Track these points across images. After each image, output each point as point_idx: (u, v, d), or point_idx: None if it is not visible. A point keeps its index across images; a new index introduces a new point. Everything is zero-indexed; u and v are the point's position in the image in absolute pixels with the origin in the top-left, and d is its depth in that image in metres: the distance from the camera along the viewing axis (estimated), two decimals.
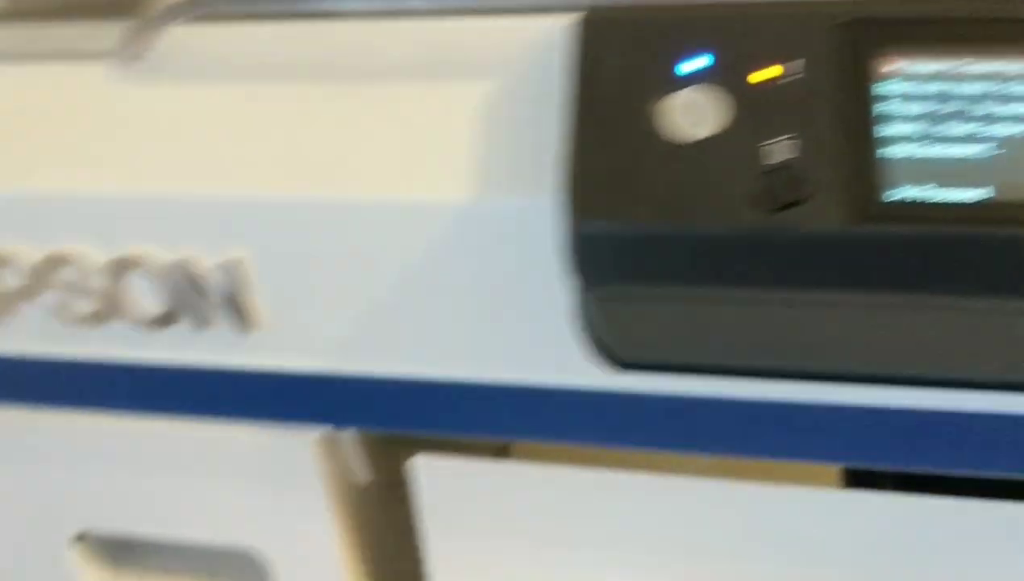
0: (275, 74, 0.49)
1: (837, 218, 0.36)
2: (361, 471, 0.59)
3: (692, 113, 0.38)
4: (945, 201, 0.36)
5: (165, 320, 0.51)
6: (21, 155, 0.51)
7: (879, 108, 0.37)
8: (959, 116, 0.37)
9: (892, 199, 0.36)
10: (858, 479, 0.55)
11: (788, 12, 0.39)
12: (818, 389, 0.46)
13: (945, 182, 0.36)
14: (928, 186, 0.36)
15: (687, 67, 0.39)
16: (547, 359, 0.48)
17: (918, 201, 0.36)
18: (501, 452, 0.66)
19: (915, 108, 0.37)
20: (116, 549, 0.66)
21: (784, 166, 0.37)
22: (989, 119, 0.36)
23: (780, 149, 0.37)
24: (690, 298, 0.40)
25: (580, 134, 0.39)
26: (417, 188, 0.46)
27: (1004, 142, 0.36)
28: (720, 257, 0.37)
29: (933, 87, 0.37)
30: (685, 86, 0.39)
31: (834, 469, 0.59)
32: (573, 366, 0.48)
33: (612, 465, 0.55)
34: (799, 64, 0.38)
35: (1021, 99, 0.36)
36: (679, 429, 0.48)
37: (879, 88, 0.37)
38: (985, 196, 0.35)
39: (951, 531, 0.50)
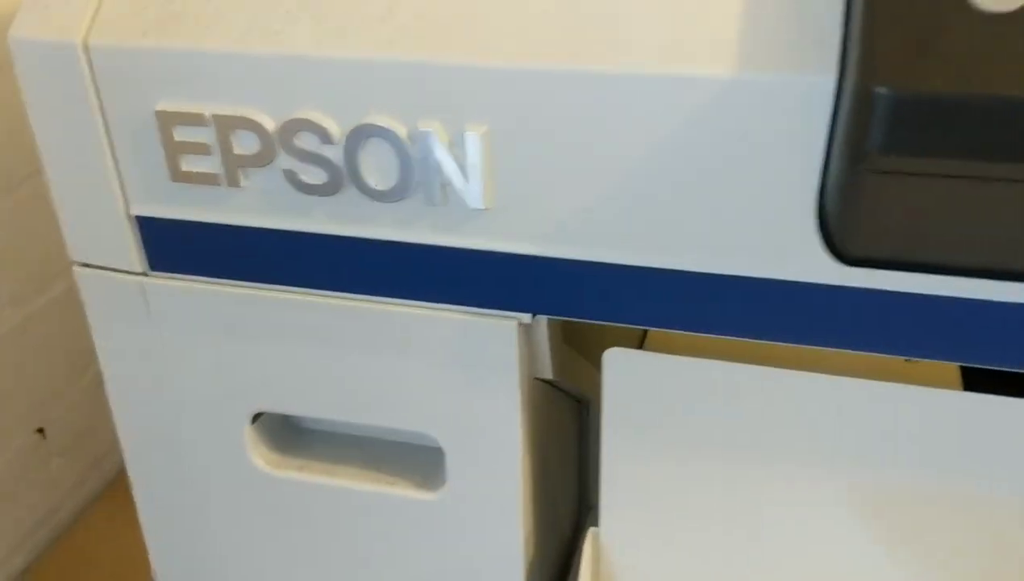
0: None
1: None
2: (551, 366, 0.59)
3: None
4: None
5: (396, 193, 0.52)
6: (267, 18, 0.52)
7: None
8: None
9: None
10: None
11: None
12: None
13: None
14: None
15: None
16: (780, 252, 0.49)
17: None
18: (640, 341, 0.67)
19: None
20: (290, 433, 0.67)
21: None
22: None
23: None
24: (976, 175, 0.41)
25: (876, 7, 0.40)
26: (670, 62, 0.46)
27: None
28: (1016, 128, 0.38)
29: None
30: None
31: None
32: (808, 261, 0.49)
33: (771, 360, 0.56)
34: None
35: None
36: (912, 332, 0.49)
37: None
38: None
39: None
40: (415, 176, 0.51)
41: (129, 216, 0.58)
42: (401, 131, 0.50)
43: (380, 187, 0.52)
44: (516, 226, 0.52)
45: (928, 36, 0.39)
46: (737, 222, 0.49)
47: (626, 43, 0.47)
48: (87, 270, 0.61)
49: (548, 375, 0.60)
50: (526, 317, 0.55)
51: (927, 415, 0.54)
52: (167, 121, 0.54)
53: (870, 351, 0.51)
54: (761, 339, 0.53)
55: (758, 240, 0.49)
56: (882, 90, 0.39)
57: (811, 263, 0.49)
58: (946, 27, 0.39)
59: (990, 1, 0.39)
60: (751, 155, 0.47)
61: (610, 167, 0.49)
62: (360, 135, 0.51)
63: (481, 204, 0.51)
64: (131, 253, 0.59)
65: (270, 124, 0.52)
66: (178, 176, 0.55)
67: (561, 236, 0.51)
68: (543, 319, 0.57)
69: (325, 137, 0.52)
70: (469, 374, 0.57)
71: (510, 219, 0.52)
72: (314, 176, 0.53)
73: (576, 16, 0.48)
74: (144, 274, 0.60)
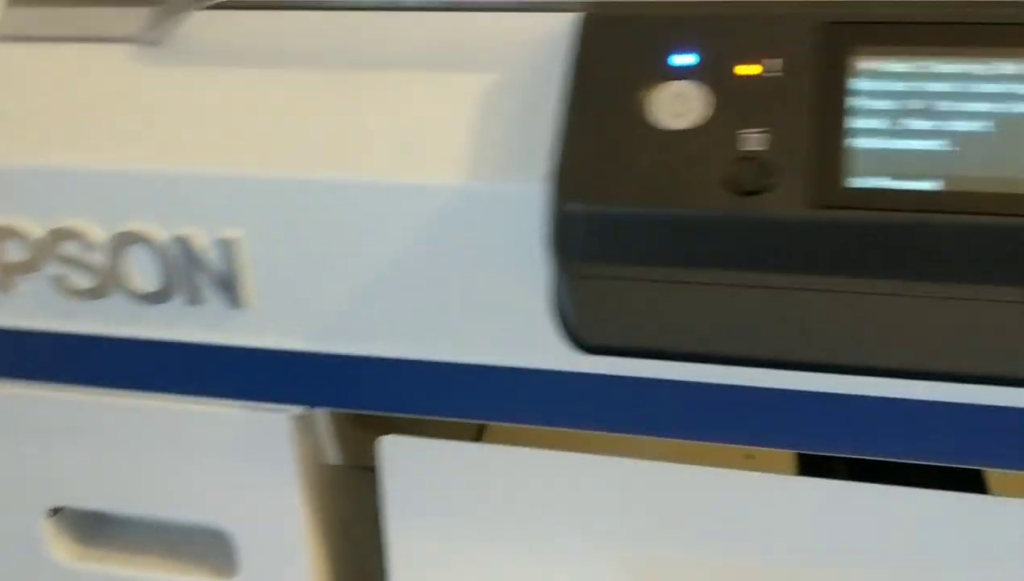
0: (284, 61, 0.52)
1: (800, 203, 0.39)
2: (333, 452, 0.61)
3: (677, 105, 0.42)
4: (903, 190, 0.39)
5: (160, 296, 0.54)
6: (33, 131, 0.54)
7: (849, 103, 0.41)
8: (922, 113, 0.40)
9: (853, 186, 0.39)
10: (812, 465, 0.59)
11: (770, 14, 0.43)
12: (778, 375, 0.49)
13: (905, 173, 0.39)
14: (889, 176, 0.39)
15: (675, 62, 0.43)
16: (522, 342, 0.51)
17: (878, 189, 0.39)
18: (478, 435, 0.69)
19: (882, 104, 0.41)
20: (89, 524, 0.68)
21: (756, 155, 0.40)
22: (948, 116, 0.40)
23: (754, 139, 0.41)
24: (662, 279, 0.43)
25: (571, 121, 0.43)
26: (407, 171, 0.49)
27: (960, 138, 0.40)
28: (691, 238, 0.41)
29: (900, 85, 0.41)
30: (672, 80, 0.42)
31: (790, 455, 0.63)
32: (547, 349, 0.51)
33: (577, 447, 0.58)
34: (777, 62, 0.42)
35: (977, 98, 0.40)
36: (645, 412, 0.51)
37: (849, 85, 0.41)
38: (939, 187, 0.39)
39: (903, 519, 0.53)
40: (177, 279, 0.53)
41: None
42: (162, 236, 0.52)
43: (145, 290, 0.54)
44: (276, 324, 0.53)
45: (614, 153, 0.42)
46: (482, 316, 0.51)
47: (367, 154, 0.50)
48: None
49: (334, 461, 0.61)
50: (297, 409, 0.57)
51: (701, 492, 0.56)
52: None
53: (618, 432, 0.54)
54: (515, 423, 0.55)
55: (502, 332, 0.51)
56: (573, 207, 0.42)
57: (556, 352, 0.51)
58: (630, 144, 0.42)
59: (668, 119, 0.42)
60: (484, 256, 0.49)
61: (358, 268, 0.51)
62: (123, 241, 0.53)
63: (240, 304, 0.53)
64: None
65: (38, 232, 0.54)
66: None
67: (319, 332, 0.53)
68: (321, 409, 0.58)
69: (90, 244, 0.53)
70: (249, 466, 0.59)
71: (270, 317, 0.53)
72: (81, 281, 0.54)
73: (323, 129, 0.50)
74: None
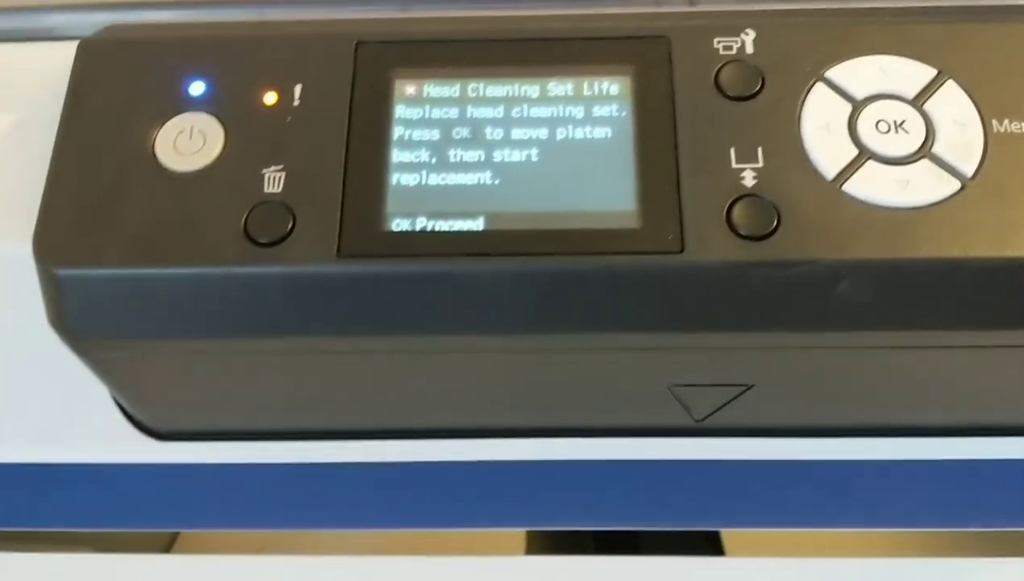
0: None
1: (324, 253, 0.33)
2: None
3: (185, 143, 0.35)
4: (443, 232, 0.34)
5: None
6: None
7: (384, 134, 0.35)
8: (466, 142, 0.35)
9: (388, 230, 0.34)
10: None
11: (294, 34, 0.37)
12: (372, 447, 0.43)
13: (446, 212, 0.34)
14: (429, 216, 0.34)
15: (181, 93, 0.36)
16: (92, 434, 0.43)
17: (416, 233, 0.34)
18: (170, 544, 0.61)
19: (422, 134, 0.35)
20: None
21: (276, 197, 0.34)
22: (493, 145, 0.35)
23: (274, 180, 0.34)
24: (189, 349, 0.36)
25: (58, 167, 0.35)
26: None
27: (506, 169, 0.35)
28: (207, 300, 0.34)
29: (440, 113, 0.35)
30: (178, 114, 0.35)
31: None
32: (115, 439, 0.43)
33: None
34: (300, 90, 0.35)
35: (522, 123, 0.35)
36: (225, 503, 0.44)
37: (385, 113, 0.35)
38: (481, 227, 0.34)
39: None
40: None
41: None
42: None
43: None
44: None
45: (110, 203, 0.34)
46: (40, 411, 0.42)
47: None
48: None
49: None
50: None
51: None
52: None
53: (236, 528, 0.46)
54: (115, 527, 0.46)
55: (73, 428, 0.43)
56: (60, 271, 0.34)
57: (134, 444, 0.43)
58: (131, 191, 0.34)
59: (175, 160, 0.35)
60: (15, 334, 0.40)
61: None
62: None
63: None
64: None
65: None
66: None
67: None
68: None
69: None
70: None
71: None
72: None
73: None
74: None
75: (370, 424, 0.42)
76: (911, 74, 0.35)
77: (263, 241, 0.33)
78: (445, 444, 0.43)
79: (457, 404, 0.41)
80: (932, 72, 0.35)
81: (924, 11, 0.37)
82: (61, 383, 0.42)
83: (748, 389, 0.37)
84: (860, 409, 0.39)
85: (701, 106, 0.35)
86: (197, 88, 0.36)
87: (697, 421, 0.40)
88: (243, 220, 0.34)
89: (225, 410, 0.41)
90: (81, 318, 0.34)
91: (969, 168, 0.33)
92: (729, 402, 0.38)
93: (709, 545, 0.57)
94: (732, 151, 0.34)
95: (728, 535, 0.58)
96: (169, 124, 0.35)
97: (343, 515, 0.47)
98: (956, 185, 0.33)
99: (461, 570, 0.48)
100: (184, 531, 0.59)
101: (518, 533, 0.59)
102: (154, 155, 0.35)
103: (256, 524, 0.47)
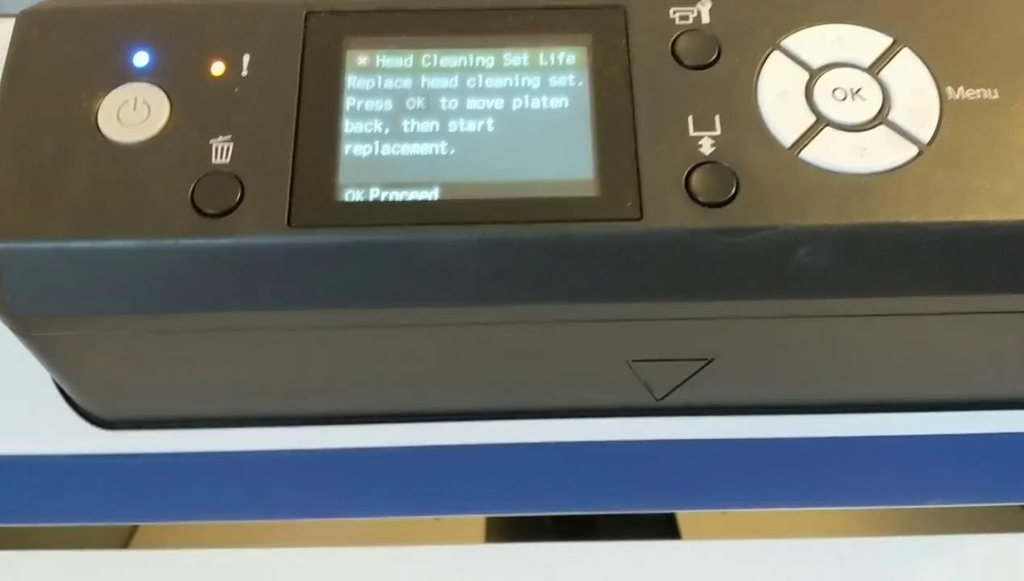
0: None
1: (273, 223, 0.32)
2: None
3: (130, 114, 0.34)
4: (397, 201, 0.33)
5: None
6: None
7: (336, 104, 0.34)
8: (420, 113, 0.34)
9: (340, 201, 0.33)
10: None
11: (241, 4, 0.35)
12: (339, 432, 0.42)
13: (400, 182, 0.33)
14: (381, 186, 0.33)
15: (125, 65, 0.35)
16: (20, 422, 0.41)
17: (368, 202, 0.33)
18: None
19: (376, 104, 0.34)
20: None
21: (224, 168, 0.33)
22: (447, 115, 0.34)
23: (222, 151, 0.33)
24: (140, 327, 0.35)
25: None
26: None
27: (456, 138, 0.34)
28: (150, 273, 0.32)
29: (393, 83, 0.35)
30: (121, 84, 0.34)
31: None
32: (57, 428, 0.41)
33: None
34: (248, 61, 0.35)
35: (477, 93, 0.34)
36: (175, 494, 0.43)
37: (337, 83, 0.34)
38: (435, 197, 0.33)
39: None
40: None
41: None
42: None
43: None
44: None
45: (51, 176, 0.33)
46: None
47: None
48: None
49: None
50: None
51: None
52: None
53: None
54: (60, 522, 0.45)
55: (11, 416, 0.41)
56: None
57: (77, 433, 0.41)
58: (73, 164, 0.33)
59: (120, 131, 0.34)
60: None
61: None
62: None
63: None
64: None
65: None
66: None
67: None
68: None
69: None
70: None
71: None
72: None
73: None
74: None
75: (322, 408, 0.41)
76: (867, 42, 0.35)
77: (211, 212, 0.32)
78: (400, 429, 0.42)
79: (411, 385, 0.40)
80: (888, 40, 0.35)
81: None
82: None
83: (708, 363, 0.37)
84: (820, 385, 0.39)
85: (658, 75, 0.34)
86: (141, 58, 0.35)
87: (658, 400, 0.39)
88: (190, 191, 0.33)
89: (173, 394, 0.40)
90: (22, 295, 0.33)
91: (925, 134, 0.33)
92: (689, 378, 0.38)
93: (665, 528, 0.56)
94: (690, 119, 0.34)
95: (684, 518, 0.57)
96: (112, 95, 0.34)
97: (298, 504, 0.46)
98: (913, 151, 0.33)
99: (421, 559, 0.47)
100: (141, 525, 0.58)
101: (478, 520, 0.58)
102: (97, 126, 0.34)
103: (209, 516, 0.46)
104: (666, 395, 0.39)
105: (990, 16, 0.35)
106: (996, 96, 0.34)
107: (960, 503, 0.45)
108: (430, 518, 0.50)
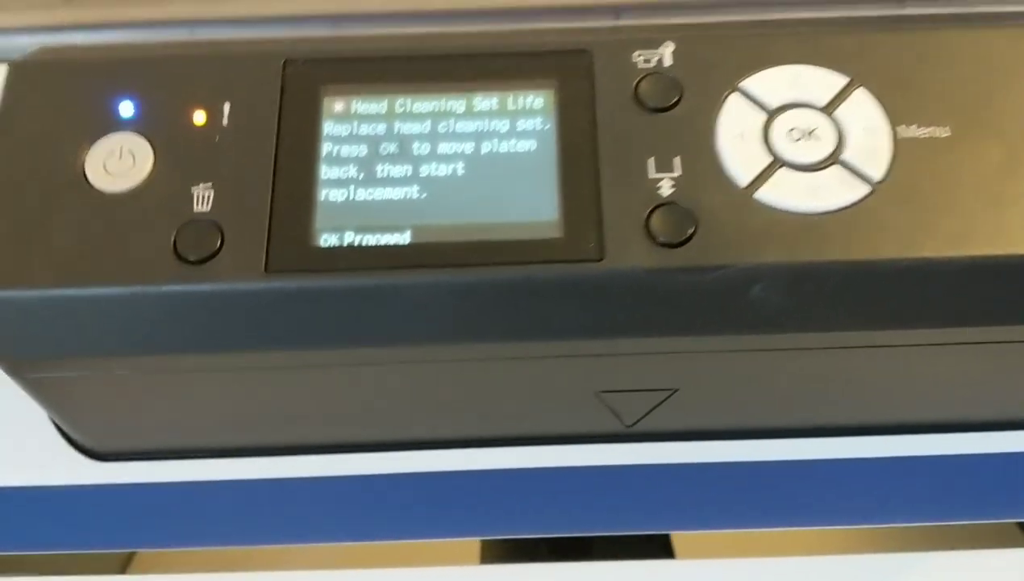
0: None
1: (253, 269, 0.34)
2: None
3: (114, 163, 0.35)
4: (371, 246, 0.34)
5: None
6: None
7: (313, 151, 0.35)
8: (394, 157, 0.36)
9: (318, 246, 0.34)
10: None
11: (223, 53, 0.37)
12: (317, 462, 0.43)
13: (374, 226, 0.35)
14: (356, 231, 0.34)
15: (111, 115, 0.36)
16: (19, 456, 0.43)
17: (344, 248, 0.34)
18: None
19: (351, 150, 0.36)
20: None
21: (205, 216, 0.34)
22: (420, 160, 0.36)
23: (203, 198, 0.35)
24: (119, 369, 0.36)
25: None
26: None
27: (433, 183, 0.35)
28: (134, 319, 0.34)
29: (368, 129, 0.36)
30: (107, 134, 0.36)
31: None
32: (53, 461, 0.43)
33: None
34: (229, 109, 0.36)
35: (448, 138, 0.36)
36: (167, 522, 0.44)
37: (314, 130, 0.36)
38: (407, 240, 0.34)
39: None
40: None
41: None
42: None
43: None
44: None
45: (39, 225, 0.35)
46: None
47: None
48: None
49: None
50: None
51: None
52: None
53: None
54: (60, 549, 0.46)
55: (9, 450, 0.43)
56: None
57: (72, 465, 0.43)
58: (60, 212, 0.35)
59: (104, 180, 0.35)
60: None
61: None
62: None
63: None
64: None
65: None
66: None
67: None
68: None
69: None
70: None
71: None
72: None
73: None
74: None
75: (307, 438, 0.43)
76: (823, 82, 0.36)
77: (192, 259, 0.34)
78: (392, 457, 0.43)
79: (395, 417, 0.41)
80: (844, 80, 0.36)
81: (836, 22, 0.38)
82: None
83: (673, 393, 0.38)
84: (782, 410, 0.40)
85: (621, 118, 0.36)
86: (127, 109, 0.36)
87: (627, 427, 0.40)
88: (172, 238, 0.34)
89: (160, 429, 0.41)
90: (12, 339, 0.35)
91: (877, 173, 0.34)
92: (656, 407, 0.39)
93: (659, 548, 0.57)
94: (651, 161, 0.35)
95: (678, 538, 0.58)
96: (99, 145, 0.36)
97: (293, 530, 0.47)
98: (865, 189, 0.34)
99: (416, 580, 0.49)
100: (138, 551, 0.59)
101: (472, 542, 0.59)
102: (84, 176, 0.35)
103: (202, 541, 0.47)
104: (636, 422, 0.40)
105: (942, 55, 0.36)
106: (947, 133, 0.35)
107: (937, 521, 0.47)
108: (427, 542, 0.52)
